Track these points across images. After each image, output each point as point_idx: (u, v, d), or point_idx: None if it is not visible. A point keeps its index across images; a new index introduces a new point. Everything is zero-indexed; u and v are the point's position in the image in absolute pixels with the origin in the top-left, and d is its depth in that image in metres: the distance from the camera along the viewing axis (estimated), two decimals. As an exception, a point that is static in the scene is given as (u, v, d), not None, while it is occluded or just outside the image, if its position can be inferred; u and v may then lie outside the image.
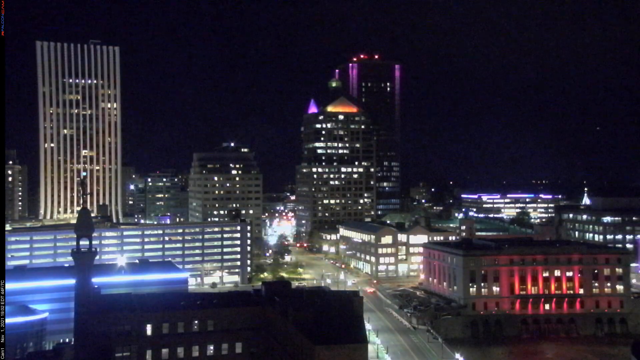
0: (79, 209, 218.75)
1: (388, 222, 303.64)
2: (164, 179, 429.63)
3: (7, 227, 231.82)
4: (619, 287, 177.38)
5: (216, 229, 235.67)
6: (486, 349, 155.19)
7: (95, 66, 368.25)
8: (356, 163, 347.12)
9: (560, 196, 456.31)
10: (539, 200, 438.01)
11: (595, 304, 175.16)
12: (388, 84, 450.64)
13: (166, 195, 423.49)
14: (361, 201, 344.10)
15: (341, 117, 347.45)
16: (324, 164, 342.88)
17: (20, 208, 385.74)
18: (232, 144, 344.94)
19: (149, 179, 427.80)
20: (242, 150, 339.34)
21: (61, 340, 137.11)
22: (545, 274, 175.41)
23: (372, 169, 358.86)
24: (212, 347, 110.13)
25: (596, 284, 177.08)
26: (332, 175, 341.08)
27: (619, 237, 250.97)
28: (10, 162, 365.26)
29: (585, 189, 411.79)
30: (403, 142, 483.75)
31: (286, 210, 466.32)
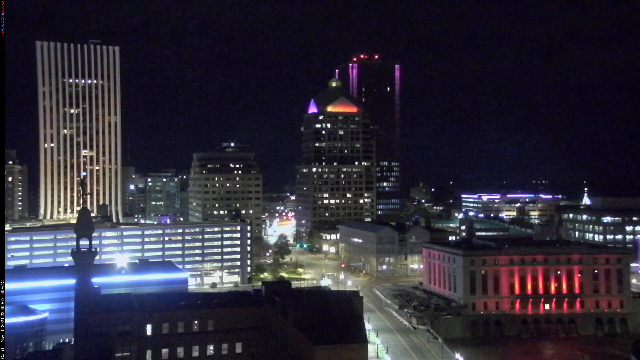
0: (79, 209, 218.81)
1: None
2: (164, 179, 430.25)
3: (7, 227, 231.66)
4: (619, 287, 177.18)
5: (216, 229, 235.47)
6: (486, 349, 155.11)
7: (95, 66, 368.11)
8: (356, 163, 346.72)
9: (560, 196, 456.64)
10: (538, 200, 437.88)
11: (595, 304, 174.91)
12: (388, 84, 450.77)
13: (166, 195, 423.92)
14: (361, 201, 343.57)
15: (341, 117, 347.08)
16: (323, 163, 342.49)
17: (20, 208, 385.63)
18: (232, 144, 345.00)
19: (149, 179, 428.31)
20: (242, 150, 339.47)
21: (61, 340, 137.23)
22: (545, 274, 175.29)
23: (372, 169, 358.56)
24: (212, 347, 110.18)
25: (596, 284, 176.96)
26: (332, 175, 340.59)
27: (619, 237, 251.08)
28: (10, 162, 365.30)
29: (585, 189, 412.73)
30: (403, 142, 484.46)
31: (286, 210, 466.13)
